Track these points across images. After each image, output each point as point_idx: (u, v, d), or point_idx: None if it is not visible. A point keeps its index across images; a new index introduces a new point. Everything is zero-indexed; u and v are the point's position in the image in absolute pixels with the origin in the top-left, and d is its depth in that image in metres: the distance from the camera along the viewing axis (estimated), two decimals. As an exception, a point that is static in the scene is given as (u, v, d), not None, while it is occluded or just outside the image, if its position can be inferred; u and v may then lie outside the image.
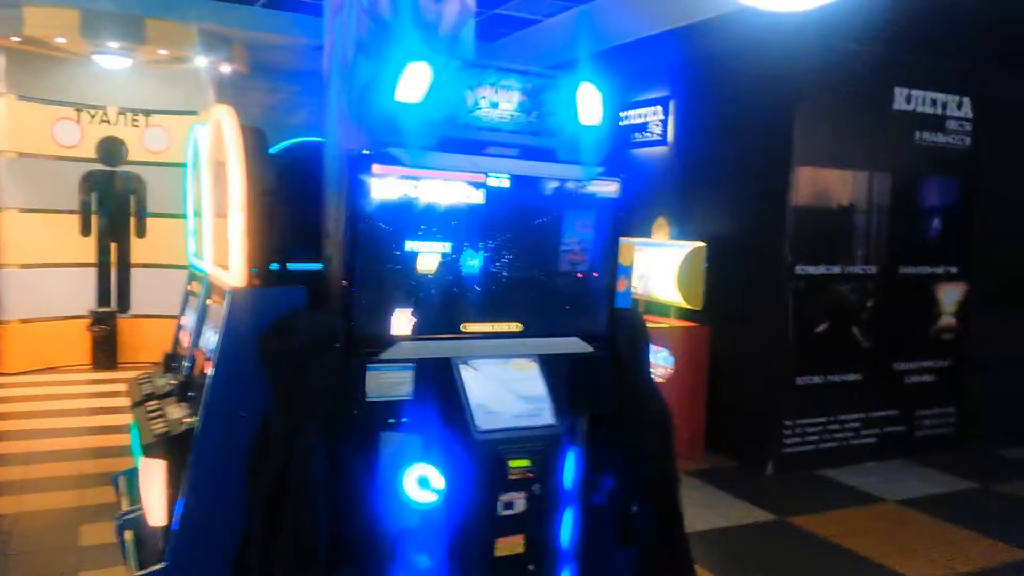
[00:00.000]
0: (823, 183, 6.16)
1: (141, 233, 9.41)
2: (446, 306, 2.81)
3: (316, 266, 3.27)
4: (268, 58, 9.32)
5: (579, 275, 3.05)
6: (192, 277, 3.78)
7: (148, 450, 2.74)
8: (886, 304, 6.56)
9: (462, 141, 2.77)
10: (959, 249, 6.83)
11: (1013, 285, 7.03)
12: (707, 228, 6.59)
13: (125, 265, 9.38)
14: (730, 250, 6.36)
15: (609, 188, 3.04)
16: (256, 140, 2.84)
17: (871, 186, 6.36)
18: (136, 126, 9.11)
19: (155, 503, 2.80)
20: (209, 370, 2.83)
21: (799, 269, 6.09)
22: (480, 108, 2.76)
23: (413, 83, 2.63)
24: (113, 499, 4.69)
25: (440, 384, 2.77)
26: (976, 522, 5.25)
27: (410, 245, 2.72)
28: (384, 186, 2.65)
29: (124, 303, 9.43)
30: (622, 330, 3.12)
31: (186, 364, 3.28)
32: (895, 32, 5.91)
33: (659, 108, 7.26)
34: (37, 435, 6.52)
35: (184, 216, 9.15)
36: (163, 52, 8.22)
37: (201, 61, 8.54)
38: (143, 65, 8.81)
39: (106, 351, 9.16)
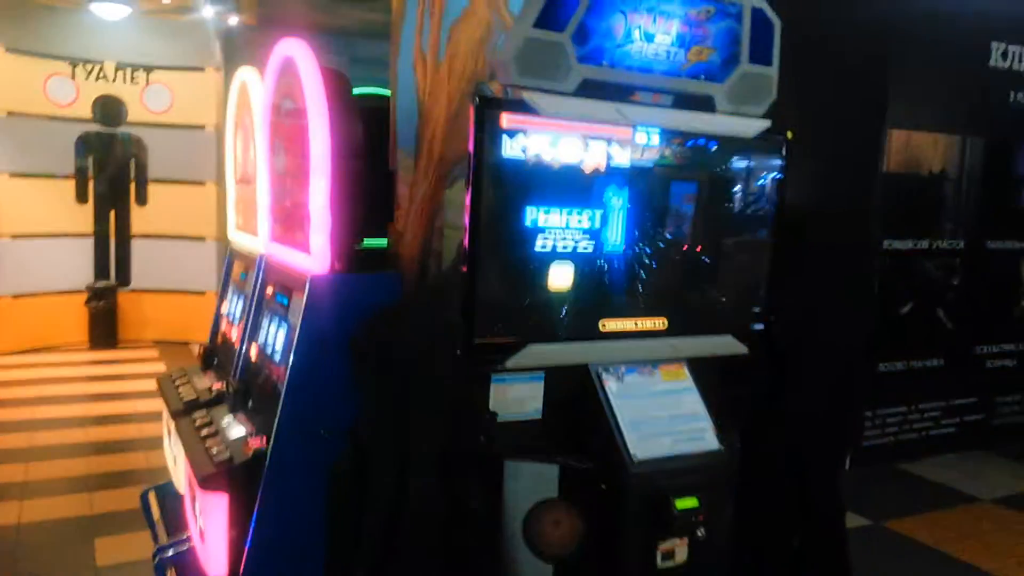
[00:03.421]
0: (914, 148, 5.55)
1: (142, 200, 8.71)
2: (582, 298, 2.20)
3: (378, 242, 2.68)
4: (279, 9, 8.58)
5: (733, 257, 2.46)
6: (236, 255, 3.15)
7: (207, 482, 2.14)
8: (971, 282, 6.00)
9: (607, 85, 2.15)
10: (1050, 222, 6.26)
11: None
12: (777, 198, 5.98)
13: (125, 235, 8.69)
14: (804, 224, 5.76)
15: (776, 145, 2.44)
16: (341, 87, 2.21)
17: (963, 152, 5.76)
18: (136, 83, 8.37)
19: (215, 547, 2.20)
20: (281, 377, 2.22)
21: (886, 244, 5.50)
22: (632, 42, 2.13)
23: (560, 8, 2.00)
24: (130, 505, 4.14)
25: (577, 398, 2.18)
26: (1086, 525, 4.76)
27: (542, 219, 2.11)
28: (515, 142, 2.03)
29: (124, 276, 8.76)
30: (780, 324, 2.54)
31: (239, 364, 2.67)
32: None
33: (717, 66, 6.61)
34: (36, 427, 5.90)
35: (192, 182, 8.51)
36: (166, 1, 7.47)
37: (207, 12, 7.79)
38: (143, 16, 8.05)
39: (105, 328, 8.52)
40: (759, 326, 2.50)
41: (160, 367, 7.62)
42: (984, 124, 5.87)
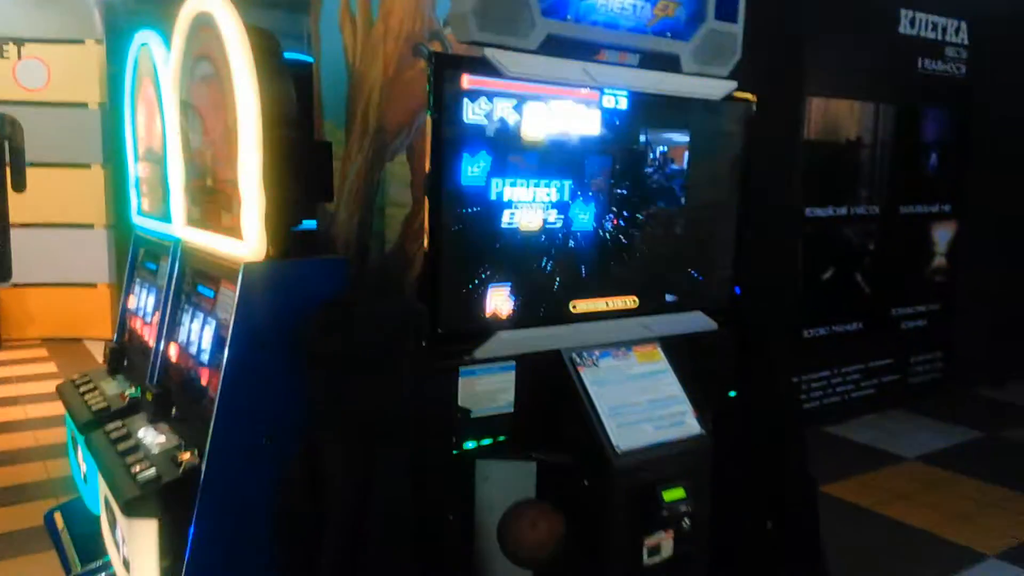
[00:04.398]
0: (832, 115, 5.59)
1: (19, 187, 7.89)
2: (551, 279, 2.01)
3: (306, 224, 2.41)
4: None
5: (700, 228, 2.32)
6: (141, 243, 2.80)
7: (132, 507, 1.85)
8: (886, 247, 6.14)
9: (571, 42, 1.95)
10: (952, 186, 6.47)
11: (1005, 223, 6.73)
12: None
13: (2, 226, 7.94)
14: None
15: (742, 109, 2.30)
16: (269, 46, 1.92)
17: (876, 118, 5.85)
18: (6, 57, 7.61)
19: (143, 579, 1.91)
20: (212, 380, 1.95)
21: (808, 212, 5.54)
22: (599, -7, 1.94)
23: (523, -50, 1.78)
24: (29, 524, 3.73)
25: (551, 388, 1.99)
26: (1005, 478, 4.92)
27: (508, 192, 1.90)
28: (477, 106, 1.81)
29: (3, 270, 8.00)
30: (749, 298, 2.42)
31: (156, 366, 2.35)
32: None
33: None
34: (-88, 439, 5.29)
35: (76, 165, 7.79)
36: (38, -35, 6.79)
37: (86, -22, 7.13)
38: (12, -17, 7.31)
39: (-15, 328, 7.79)
40: (728, 300, 2.38)
41: (51, 367, 7.03)
42: (893, 91, 5.98)
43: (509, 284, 1.92)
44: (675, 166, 2.19)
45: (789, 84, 5.43)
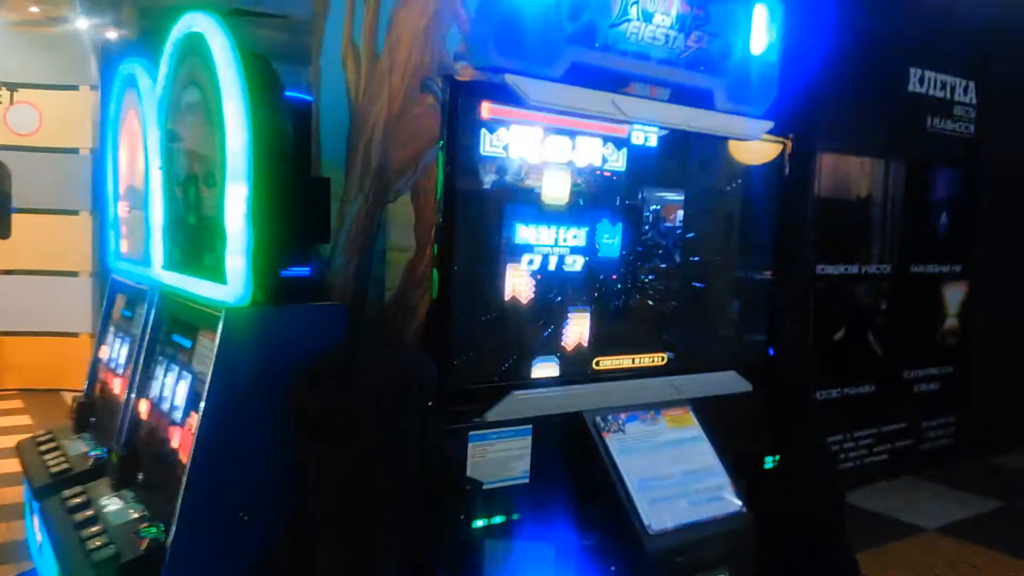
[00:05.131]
0: (843, 172, 5.46)
1: (4, 232, 7.72)
2: (572, 331, 1.79)
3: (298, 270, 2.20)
4: (162, 22, 7.89)
5: (732, 279, 2.11)
6: (118, 289, 2.57)
7: (84, 592, 1.58)
8: (898, 307, 5.96)
9: (599, 72, 1.76)
10: (963, 245, 6.33)
11: (1016, 284, 6.58)
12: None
13: (-16, 273, 7.70)
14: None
15: (775, 152, 2.12)
16: (263, 73, 1.73)
17: (887, 175, 5.73)
18: (-2, 102, 7.49)
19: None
20: (185, 442, 1.70)
21: (819, 269, 5.36)
22: (629, 20, 1.76)
23: (550, -35, 1.60)
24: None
25: (572, 455, 1.76)
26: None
27: (526, 235, 1.69)
28: (496, 138, 1.61)
29: (-18, 318, 7.74)
30: (786, 357, 2.20)
31: (124, 424, 2.10)
32: (908, 5, 5.32)
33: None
34: None
35: (64, 211, 7.57)
36: (35, 10, 6.70)
37: (82, 24, 7.03)
38: (7, 28, 7.21)
39: (-38, 378, 7.48)
40: (762, 359, 2.16)
41: (25, 419, 6.71)
42: (903, 149, 5.89)
43: (526, 336, 1.70)
44: (706, 212, 2.00)
45: (799, 139, 5.29)
